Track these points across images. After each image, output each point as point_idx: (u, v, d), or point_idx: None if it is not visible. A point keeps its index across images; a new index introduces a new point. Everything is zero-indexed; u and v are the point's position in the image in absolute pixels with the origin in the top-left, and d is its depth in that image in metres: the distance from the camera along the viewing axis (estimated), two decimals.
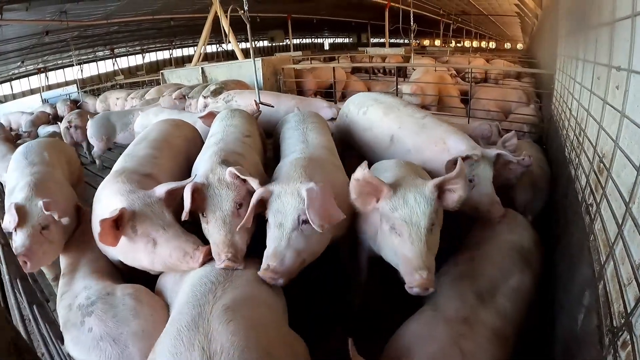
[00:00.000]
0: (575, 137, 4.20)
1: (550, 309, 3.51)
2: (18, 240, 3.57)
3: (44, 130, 11.52)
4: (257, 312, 2.50)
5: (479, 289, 3.09)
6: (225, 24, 14.43)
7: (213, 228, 3.15)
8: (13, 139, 9.49)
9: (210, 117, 5.20)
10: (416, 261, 2.72)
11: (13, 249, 3.40)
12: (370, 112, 5.19)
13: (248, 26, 6.13)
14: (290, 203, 3.00)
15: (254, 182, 3.15)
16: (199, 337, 2.17)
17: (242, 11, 6.25)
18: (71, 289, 3.27)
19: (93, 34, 28.70)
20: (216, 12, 15.30)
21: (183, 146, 4.70)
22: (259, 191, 3.07)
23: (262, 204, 3.11)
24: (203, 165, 3.53)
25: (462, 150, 4.03)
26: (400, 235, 2.88)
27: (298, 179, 3.20)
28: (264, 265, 2.87)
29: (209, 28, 16.28)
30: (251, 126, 4.75)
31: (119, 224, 3.03)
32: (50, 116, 14.12)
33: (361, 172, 2.94)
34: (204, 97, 7.39)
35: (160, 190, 3.26)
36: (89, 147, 9.40)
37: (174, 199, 3.29)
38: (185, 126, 5.19)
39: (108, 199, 3.32)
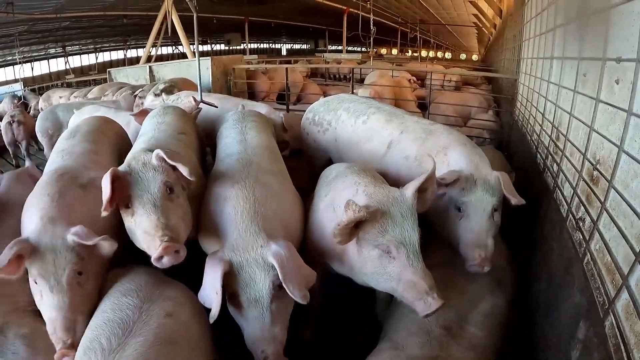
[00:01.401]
0: (552, 142, 3.83)
1: (528, 333, 3.21)
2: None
3: None
4: None
5: (445, 319, 2.68)
6: (174, 18, 14.07)
7: (141, 216, 2.60)
8: None
9: (143, 114, 4.57)
10: (423, 283, 2.48)
11: None
12: (372, 121, 4.36)
13: (195, 15, 5.61)
14: (258, 274, 2.55)
15: (183, 169, 2.70)
16: None
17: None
18: None
19: (44, 29, 27.55)
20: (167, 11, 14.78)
21: (116, 143, 4.17)
22: (218, 267, 2.52)
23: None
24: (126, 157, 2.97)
25: (460, 166, 3.37)
26: (395, 258, 2.58)
27: (257, 241, 2.65)
28: (260, 357, 2.47)
29: (159, 25, 15.87)
30: (186, 124, 4.14)
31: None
32: None
33: (352, 214, 2.49)
34: (155, 95, 6.94)
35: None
36: (28, 148, 8.81)
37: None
38: (115, 123, 4.62)
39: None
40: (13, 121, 8.63)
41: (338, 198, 2.99)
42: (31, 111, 12.01)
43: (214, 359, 2.48)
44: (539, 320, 3.09)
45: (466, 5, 23.30)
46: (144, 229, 2.55)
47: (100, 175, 2.79)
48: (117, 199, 2.61)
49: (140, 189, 2.64)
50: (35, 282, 2.49)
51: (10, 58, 33.44)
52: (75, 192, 3.02)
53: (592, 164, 2.54)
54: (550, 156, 3.85)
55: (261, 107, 5.60)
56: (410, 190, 2.67)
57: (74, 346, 2.34)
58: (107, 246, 2.55)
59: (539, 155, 4.41)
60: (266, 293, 2.51)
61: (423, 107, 9.23)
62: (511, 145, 6.66)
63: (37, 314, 2.58)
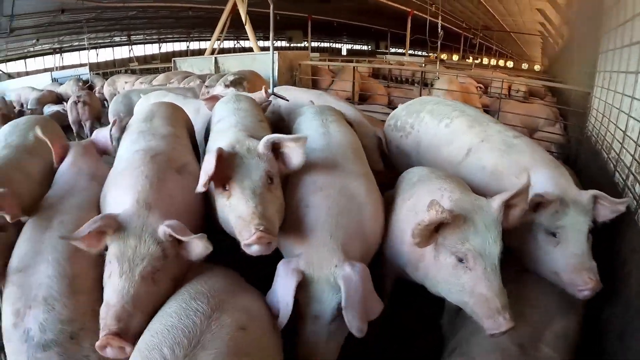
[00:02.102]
0: (635, 162, 3.65)
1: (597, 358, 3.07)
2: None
3: (49, 109, 11.35)
4: None
5: (520, 336, 2.61)
6: (242, 12, 14.18)
7: (239, 200, 2.58)
8: (11, 116, 9.10)
9: (214, 100, 4.61)
10: (497, 301, 2.40)
11: None
12: (455, 124, 4.20)
13: (271, 7, 5.64)
14: (327, 292, 2.55)
15: (299, 157, 2.86)
16: None
17: None
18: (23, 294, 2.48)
19: (110, 18, 28.36)
20: (235, 4, 14.97)
21: (188, 129, 4.22)
22: (292, 277, 2.51)
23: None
24: (225, 140, 2.90)
25: (546, 189, 3.12)
26: (471, 269, 2.52)
27: (332, 260, 2.60)
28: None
29: (226, 18, 16.17)
30: (261, 113, 4.05)
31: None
32: (57, 96, 13.77)
33: (434, 214, 2.42)
34: (225, 86, 6.80)
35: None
36: (92, 128, 9.06)
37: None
38: (183, 110, 4.59)
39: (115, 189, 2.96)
40: (78, 101, 9.25)
41: (421, 202, 2.87)
42: (96, 94, 12.38)
43: None
44: (611, 346, 2.96)
45: (533, 13, 22.76)
46: (240, 213, 2.52)
47: (189, 159, 2.89)
48: (215, 178, 2.61)
49: (241, 174, 2.64)
50: (110, 262, 2.41)
51: (76, 44, 34.70)
52: (174, 178, 2.99)
53: None
54: (632, 176, 3.66)
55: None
56: (497, 202, 2.58)
57: (120, 337, 2.18)
58: (202, 247, 2.44)
59: (617, 175, 4.19)
60: (330, 312, 2.52)
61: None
62: (580, 162, 6.38)
63: None
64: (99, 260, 2.51)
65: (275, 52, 9.15)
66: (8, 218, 2.52)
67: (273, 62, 5.75)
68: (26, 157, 3.48)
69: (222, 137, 3.05)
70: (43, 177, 3.48)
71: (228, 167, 2.65)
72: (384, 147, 5.06)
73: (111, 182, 3.01)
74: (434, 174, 3.23)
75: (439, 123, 4.31)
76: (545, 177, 3.22)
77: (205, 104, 4.77)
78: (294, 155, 2.89)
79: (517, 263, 3.20)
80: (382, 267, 3.32)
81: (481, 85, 11.80)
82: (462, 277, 2.54)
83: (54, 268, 2.52)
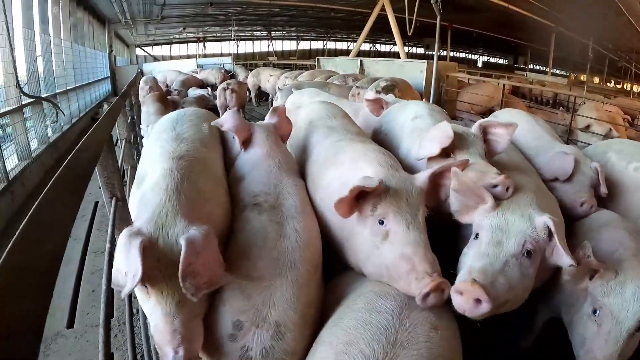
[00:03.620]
0: None
1: None
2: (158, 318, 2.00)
3: (194, 92, 11.91)
4: None
5: None
6: (390, 17, 14.29)
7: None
8: (166, 97, 9.64)
9: (377, 103, 4.73)
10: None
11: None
12: None
13: (438, 18, 5.58)
14: (517, 225, 2.42)
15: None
16: None
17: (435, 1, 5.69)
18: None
19: (253, 13, 29.64)
20: (383, 6, 15.04)
21: None
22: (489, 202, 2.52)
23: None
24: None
25: None
26: (599, 325, 2.42)
27: (529, 204, 2.55)
28: (465, 277, 2.23)
29: (372, 22, 16.36)
30: None
31: (362, 194, 2.41)
32: (201, 81, 14.49)
33: None
34: (377, 92, 6.85)
35: (423, 176, 2.60)
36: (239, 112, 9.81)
37: (435, 194, 2.72)
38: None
39: (354, 163, 2.85)
40: (227, 88, 10.05)
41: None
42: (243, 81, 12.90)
43: None
44: None
45: None
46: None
47: None
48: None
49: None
50: (381, 222, 2.38)
51: (219, 35, 36.41)
52: None
53: None
54: None
55: None
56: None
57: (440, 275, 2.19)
58: None
59: None
60: (515, 243, 2.38)
61: None
62: None
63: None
64: (322, 289, 2.51)
65: (424, 61, 9.05)
66: (190, 294, 1.90)
67: (434, 72, 5.64)
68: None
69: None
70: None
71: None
72: None
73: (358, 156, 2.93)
74: (623, 223, 3.01)
75: (628, 165, 3.84)
76: None
77: (368, 104, 4.82)
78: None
79: None
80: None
81: (628, 117, 10.91)
82: (588, 327, 2.50)
83: (292, 292, 2.26)
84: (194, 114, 3.38)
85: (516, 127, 3.13)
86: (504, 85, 9.78)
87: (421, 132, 3.44)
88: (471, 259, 2.39)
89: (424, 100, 5.27)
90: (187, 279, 1.84)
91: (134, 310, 3.44)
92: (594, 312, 2.45)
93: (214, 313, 2.17)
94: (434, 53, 8.80)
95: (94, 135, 2.85)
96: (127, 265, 1.88)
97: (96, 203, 4.64)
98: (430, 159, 3.10)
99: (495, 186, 2.63)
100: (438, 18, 5.66)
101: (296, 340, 2.17)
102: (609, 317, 2.36)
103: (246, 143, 3.23)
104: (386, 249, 2.35)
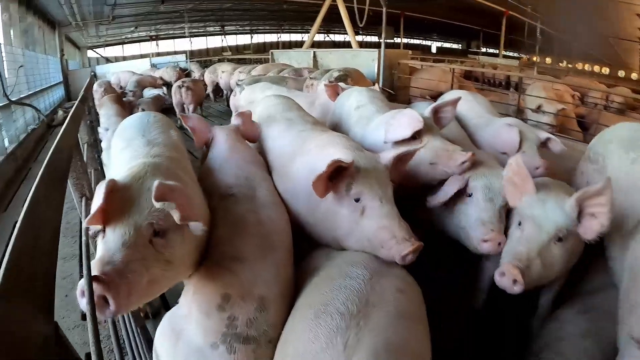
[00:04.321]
0: None
1: None
2: (101, 251, 1.99)
3: (149, 92, 11.86)
4: None
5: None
6: (341, 8, 14.44)
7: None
8: (122, 98, 9.62)
9: (334, 89, 5.00)
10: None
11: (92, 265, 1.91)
12: None
13: (384, 10, 5.74)
14: (553, 211, 2.67)
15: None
16: None
17: None
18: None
19: (206, 9, 29.61)
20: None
21: None
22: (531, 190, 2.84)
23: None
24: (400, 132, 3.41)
25: None
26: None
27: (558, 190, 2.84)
28: (507, 259, 2.64)
29: (324, 13, 16.41)
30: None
31: (335, 176, 2.64)
32: (156, 80, 14.38)
33: None
34: (330, 82, 6.86)
35: (389, 156, 2.85)
36: (194, 112, 10.24)
37: (397, 171, 2.95)
38: None
39: (322, 149, 3.03)
40: (183, 86, 10.13)
41: None
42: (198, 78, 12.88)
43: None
44: None
45: (632, 19, 21.84)
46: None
47: None
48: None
49: None
50: (357, 200, 2.64)
51: (171, 32, 36.11)
52: None
53: None
54: None
55: None
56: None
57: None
58: None
59: None
60: (549, 231, 2.70)
61: (582, 127, 8.62)
62: None
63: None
64: (293, 269, 2.73)
65: (375, 50, 9.21)
66: (177, 218, 2.01)
67: (382, 60, 5.82)
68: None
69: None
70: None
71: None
72: None
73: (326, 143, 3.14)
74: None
75: (627, 155, 3.19)
76: None
77: (326, 90, 5.08)
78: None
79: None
80: None
81: (578, 94, 11.29)
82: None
83: (273, 271, 2.51)
84: (159, 121, 3.43)
85: (459, 99, 3.71)
86: (452, 69, 9.98)
87: (368, 120, 3.87)
88: (514, 243, 2.76)
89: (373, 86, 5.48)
90: (159, 200, 1.95)
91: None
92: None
93: (205, 287, 2.36)
94: (387, 41, 8.97)
95: (64, 139, 2.96)
96: (95, 200, 2.02)
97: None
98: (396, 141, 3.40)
99: (464, 162, 3.12)
100: (384, 9, 5.81)
101: (277, 313, 2.36)
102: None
103: (207, 144, 3.51)
104: (365, 223, 2.61)
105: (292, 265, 2.75)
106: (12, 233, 1.48)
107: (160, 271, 2.08)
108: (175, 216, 1.99)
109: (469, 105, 4.86)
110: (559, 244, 2.63)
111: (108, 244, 1.96)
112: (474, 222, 3.07)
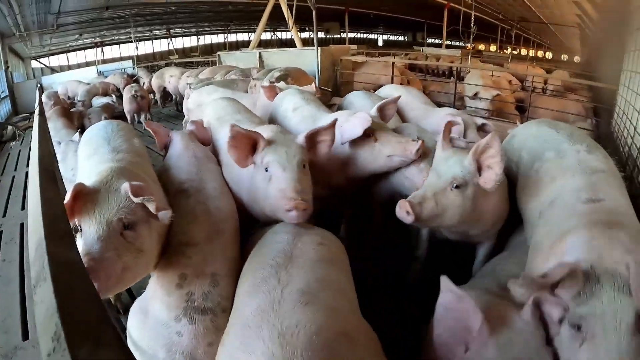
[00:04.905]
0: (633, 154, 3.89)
1: None
2: (81, 245, 2.32)
3: (98, 101, 11.89)
4: (333, 296, 2.36)
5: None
6: (284, 7, 14.64)
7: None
8: (69, 110, 9.65)
9: (272, 90, 5.42)
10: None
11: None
12: (544, 171, 3.30)
13: (314, 12, 6.04)
14: (452, 164, 3.18)
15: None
16: (269, 318, 2.05)
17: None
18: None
19: (151, 13, 29.25)
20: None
21: None
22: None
23: None
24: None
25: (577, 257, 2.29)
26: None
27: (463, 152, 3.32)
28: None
29: (268, 14, 16.66)
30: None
31: (254, 147, 3.26)
32: (109, 87, 14.26)
33: None
34: (271, 82, 7.13)
35: (301, 136, 3.41)
36: (146, 117, 11.15)
37: (313, 149, 3.54)
38: None
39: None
40: (137, 95, 10.61)
41: None
42: (145, 85, 12.94)
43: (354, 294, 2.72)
44: None
45: (569, 5, 22.60)
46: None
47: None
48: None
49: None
50: (267, 169, 3.18)
51: (117, 38, 35.53)
52: None
53: None
54: (636, 168, 3.88)
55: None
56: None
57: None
58: None
59: (627, 168, 4.48)
60: (446, 180, 3.21)
61: (522, 110, 9.22)
62: None
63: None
64: (240, 248, 3.20)
65: (318, 48, 9.50)
66: (153, 208, 2.42)
67: (318, 59, 6.13)
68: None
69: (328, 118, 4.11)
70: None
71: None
72: None
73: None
74: None
75: (533, 165, 3.46)
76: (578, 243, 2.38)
77: (264, 91, 5.51)
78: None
79: None
80: None
81: (515, 80, 11.91)
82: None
83: (221, 251, 2.96)
84: (122, 129, 3.82)
85: (399, 97, 4.33)
86: (392, 63, 10.36)
87: (314, 119, 4.39)
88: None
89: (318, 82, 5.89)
90: (137, 197, 2.43)
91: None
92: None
93: (165, 270, 2.79)
94: (333, 36, 9.23)
95: (44, 151, 3.14)
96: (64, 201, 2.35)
97: (22, 225, 4.97)
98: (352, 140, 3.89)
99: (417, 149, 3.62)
100: (314, 12, 6.10)
101: (228, 286, 2.80)
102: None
103: (167, 146, 4.06)
104: (270, 187, 3.14)
105: (238, 245, 3.21)
106: None
107: (132, 259, 2.43)
108: (152, 207, 2.43)
109: (406, 99, 5.69)
110: (456, 191, 3.09)
111: (86, 239, 2.34)
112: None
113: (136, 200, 2.43)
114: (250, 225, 3.51)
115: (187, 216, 3.07)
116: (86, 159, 3.38)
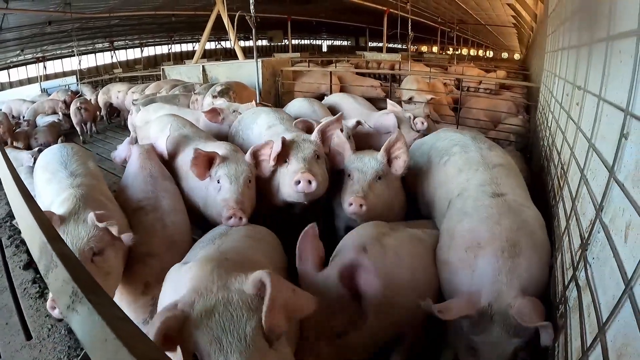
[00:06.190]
0: (547, 146, 4.51)
1: None
2: None
3: (43, 120, 11.82)
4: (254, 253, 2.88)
5: None
6: (227, 23, 14.90)
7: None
8: (13, 132, 9.77)
9: (214, 112, 5.83)
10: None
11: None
12: (450, 165, 3.84)
13: (254, 31, 6.47)
14: (369, 161, 3.86)
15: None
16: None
17: (249, 15, 6.61)
18: None
19: (94, 26, 29.00)
20: (219, 11, 15.76)
21: None
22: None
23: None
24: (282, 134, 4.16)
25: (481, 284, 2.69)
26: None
27: (370, 151, 4.06)
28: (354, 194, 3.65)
29: (211, 27, 16.84)
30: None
31: (211, 163, 3.81)
32: (59, 104, 14.08)
33: None
34: (213, 97, 7.55)
35: (248, 152, 3.96)
36: (91, 128, 12.12)
37: (257, 165, 4.04)
38: None
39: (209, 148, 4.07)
40: (81, 107, 11.33)
41: None
42: (92, 101, 12.93)
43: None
44: None
45: (504, 8, 23.54)
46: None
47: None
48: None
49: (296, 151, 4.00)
50: (218, 181, 3.78)
51: (59, 52, 34.91)
52: None
53: (561, 164, 3.28)
54: (545, 160, 4.50)
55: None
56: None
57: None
58: None
59: (541, 158, 5.03)
60: (370, 174, 3.91)
61: (455, 111, 9.51)
62: (532, 149, 6.92)
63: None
64: None
65: (258, 60, 9.87)
66: (115, 231, 2.94)
67: (259, 71, 6.56)
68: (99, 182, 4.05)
69: (281, 134, 4.24)
70: None
71: (286, 152, 3.94)
72: None
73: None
74: None
75: (440, 160, 4.03)
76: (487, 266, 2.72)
77: (206, 116, 5.88)
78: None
79: None
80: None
81: (448, 81, 12.44)
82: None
83: (177, 259, 3.08)
84: (77, 152, 4.21)
85: (342, 114, 4.60)
86: (330, 72, 10.82)
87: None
88: (349, 187, 3.80)
89: (259, 97, 6.33)
90: (101, 222, 2.89)
91: None
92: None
93: (130, 279, 3.24)
94: (277, 44, 9.50)
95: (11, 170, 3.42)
96: None
97: None
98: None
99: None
100: (254, 31, 6.51)
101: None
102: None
103: (126, 160, 4.51)
104: (218, 196, 3.76)
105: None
106: None
107: (102, 282, 2.72)
108: (114, 231, 2.91)
109: (352, 105, 6.74)
110: (380, 181, 3.82)
111: None
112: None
113: (100, 225, 2.88)
114: (207, 227, 3.90)
115: (146, 231, 3.51)
116: (46, 184, 3.77)
